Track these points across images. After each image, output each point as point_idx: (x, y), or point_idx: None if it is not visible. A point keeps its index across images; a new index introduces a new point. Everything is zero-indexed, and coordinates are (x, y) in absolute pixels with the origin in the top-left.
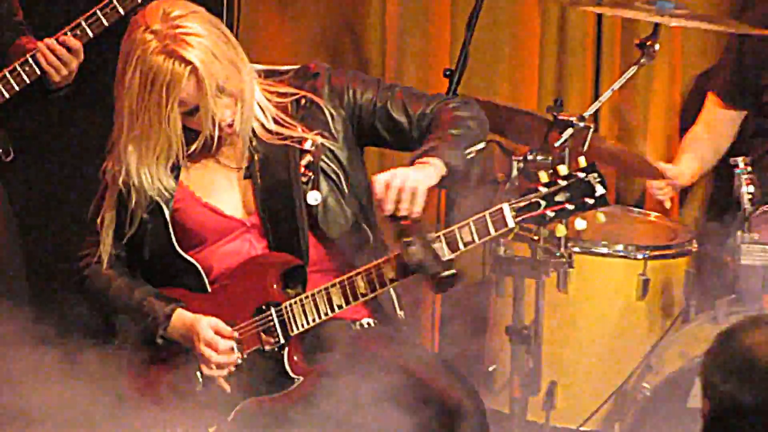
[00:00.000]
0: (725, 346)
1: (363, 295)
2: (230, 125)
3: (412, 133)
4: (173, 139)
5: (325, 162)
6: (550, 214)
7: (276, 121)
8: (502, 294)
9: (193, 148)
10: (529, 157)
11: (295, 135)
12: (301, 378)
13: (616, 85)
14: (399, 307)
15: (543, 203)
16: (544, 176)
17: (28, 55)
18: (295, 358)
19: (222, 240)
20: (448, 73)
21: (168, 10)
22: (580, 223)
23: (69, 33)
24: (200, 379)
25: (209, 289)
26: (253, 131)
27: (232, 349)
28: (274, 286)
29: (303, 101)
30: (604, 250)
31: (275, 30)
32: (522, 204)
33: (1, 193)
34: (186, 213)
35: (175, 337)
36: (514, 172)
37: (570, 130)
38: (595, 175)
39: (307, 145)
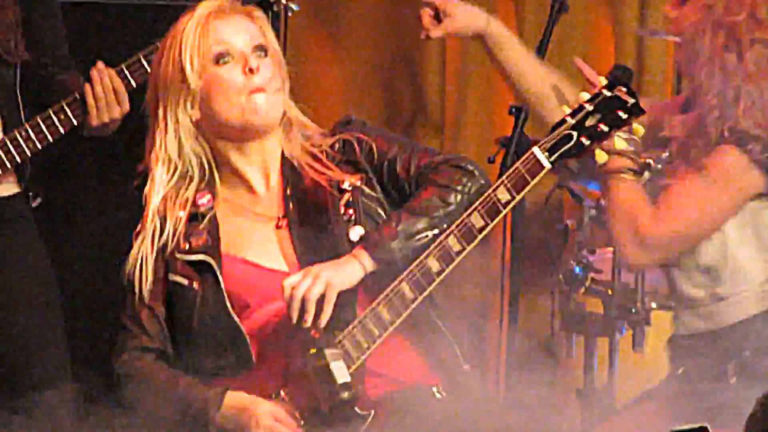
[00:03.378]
0: None
1: (412, 300)
2: (259, 87)
3: (411, 190)
4: (187, 66)
5: (364, 201)
6: (586, 141)
7: (314, 157)
8: (571, 354)
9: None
10: (603, 202)
11: (333, 175)
12: (372, 411)
13: None
14: (463, 359)
15: (575, 133)
16: (567, 108)
17: (76, 93)
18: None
19: (266, 303)
20: (514, 110)
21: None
22: (620, 143)
23: (124, 70)
24: None
25: (253, 361)
26: (288, 178)
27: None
28: (314, 331)
29: (337, 145)
30: None
31: (326, 62)
32: (553, 141)
33: (35, 239)
34: (226, 275)
35: (229, 419)
36: (586, 219)
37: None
38: (621, 87)
39: (346, 185)
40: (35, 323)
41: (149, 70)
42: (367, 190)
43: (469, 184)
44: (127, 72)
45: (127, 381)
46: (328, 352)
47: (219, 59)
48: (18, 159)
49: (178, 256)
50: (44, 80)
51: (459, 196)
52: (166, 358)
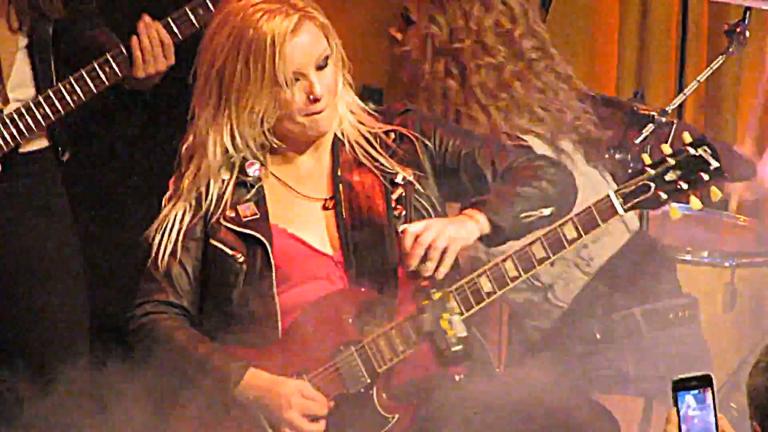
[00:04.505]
0: None
1: (458, 315)
2: (320, 110)
3: (492, 183)
4: (281, 79)
5: (416, 198)
6: (663, 195)
7: (367, 141)
8: None
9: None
10: (606, 156)
11: (387, 165)
12: (396, 416)
13: (702, 77)
14: (497, 362)
15: (653, 185)
16: (646, 158)
17: (121, 46)
18: (385, 395)
19: (308, 281)
20: None
21: None
22: (695, 202)
23: (171, 23)
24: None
25: (279, 338)
26: (338, 157)
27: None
28: (351, 321)
29: (393, 135)
30: (688, 257)
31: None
32: (630, 189)
33: (63, 195)
34: (272, 247)
35: (248, 398)
36: None
37: (651, 126)
38: (706, 148)
39: (399, 179)
40: (55, 276)
41: (196, 25)
42: (418, 186)
43: (560, 174)
44: (173, 25)
45: (146, 333)
46: (450, 305)
47: (288, 82)
48: (62, 112)
49: (224, 223)
50: (74, 36)
51: (552, 186)
52: (190, 319)
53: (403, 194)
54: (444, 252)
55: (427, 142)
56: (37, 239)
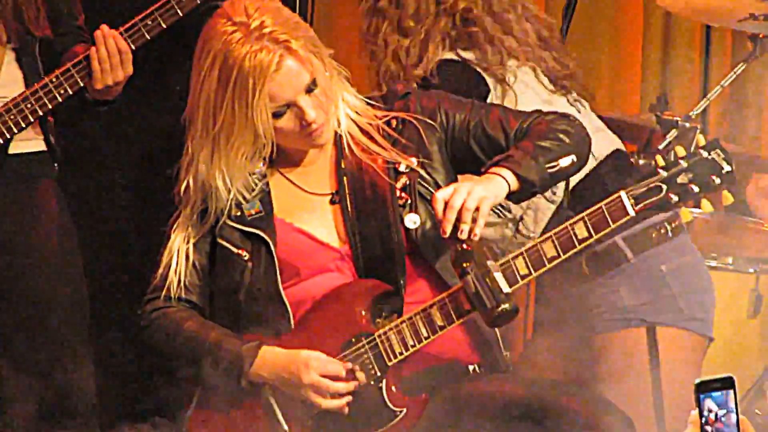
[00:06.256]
0: None
1: (468, 312)
2: (316, 129)
3: (508, 145)
4: (260, 129)
5: (421, 184)
6: (674, 198)
7: (367, 134)
8: None
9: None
10: (630, 161)
11: (388, 156)
12: (405, 410)
13: (726, 82)
14: (504, 347)
15: (665, 187)
16: (660, 160)
17: (82, 56)
18: (394, 389)
19: (317, 274)
20: None
21: (250, 6)
22: (706, 206)
23: (124, 34)
24: (283, 424)
25: (291, 329)
26: (342, 150)
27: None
28: (363, 313)
29: (394, 123)
30: (713, 263)
31: (350, 22)
32: (641, 190)
33: (59, 199)
34: (279, 241)
35: (264, 374)
36: None
37: (675, 132)
38: (719, 151)
39: (402, 167)
40: (56, 283)
41: (163, 25)
42: (422, 172)
43: (576, 124)
44: (140, 26)
45: (157, 327)
46: (490, 263)
47: (277, 114)
48: (30, 118)
49: (228, 222)
50: (58, 51)
51: (568, 137)
52: (200, 312)
53: (407, 182)
54: (476, 212)
55: (431, 121)
56: (33, 241)
